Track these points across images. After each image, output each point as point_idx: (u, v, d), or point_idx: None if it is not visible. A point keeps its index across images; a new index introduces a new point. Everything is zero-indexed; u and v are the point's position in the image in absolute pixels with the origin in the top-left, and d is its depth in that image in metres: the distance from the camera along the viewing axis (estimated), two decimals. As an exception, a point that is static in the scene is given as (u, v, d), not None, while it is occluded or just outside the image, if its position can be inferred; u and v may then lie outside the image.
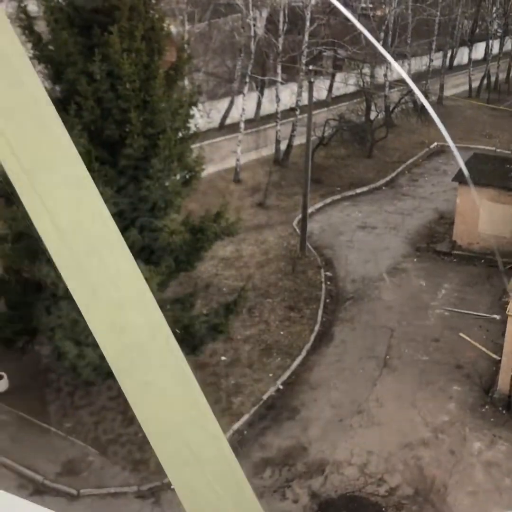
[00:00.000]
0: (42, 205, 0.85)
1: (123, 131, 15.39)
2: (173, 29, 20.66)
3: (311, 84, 25.63)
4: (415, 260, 25.30)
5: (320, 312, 22.02)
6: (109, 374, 15.53)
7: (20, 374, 16.81)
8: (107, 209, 0.88)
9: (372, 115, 36.30)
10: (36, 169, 0.84)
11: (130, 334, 0.89)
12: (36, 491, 14.93)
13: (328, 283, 23.87)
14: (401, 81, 40.87)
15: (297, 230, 26.86)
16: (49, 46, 15.29)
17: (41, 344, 17.26)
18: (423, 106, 40.31)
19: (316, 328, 21.22)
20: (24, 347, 16.94)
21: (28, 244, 14.67)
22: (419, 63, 44.46)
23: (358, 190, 31.29)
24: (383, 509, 14.89)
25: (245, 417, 17.40)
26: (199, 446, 0.92)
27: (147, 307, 0.91)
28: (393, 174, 33.62)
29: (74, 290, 0.87)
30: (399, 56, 41.94)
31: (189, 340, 17.24)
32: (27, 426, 16.39)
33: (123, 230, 15.77)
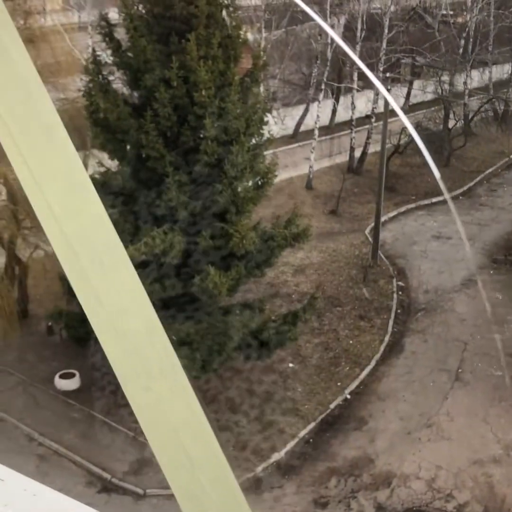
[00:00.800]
0: (50, 212, 0.88)
1: (198, 137, 15.60)
2: (249, 36, 20.82)
3: (388, 91, 25.35)
4: (491, 272, 24.62)
5: (391, 322, 21.69)
6: None
7: (92, 373, 17.19)
8: (108, 217, 0.91)
9: (450, 123, 35.60)
10: (44, 177, 0.87)
11: (131, 340, 0.92)
12: (104, 489, 15.25)
13: (400, 293, 23.50)
14: (482, 89, 39.97)
15: (370, 238, 26.55)
16: (128, 53, 15.66)
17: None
18: (504, 115, 39.30)
19: (386, 338, 20.91)
20: (96, 346, 17.33)
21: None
22: (501, 71, 43.31)
23: (434, 200, 30.71)
24: (451, 526, 14.52)
25: (312, 425, 17.29)
26: (194, 451, 0.94)
27: (146, 314, 0.92)
28: (471, 184, 32.86)
29: (80, 295, 0.90)
30: (480, 64, 41.01)
31: (257, 345, 17.29)
32: (97, 424, 16.76)
33: (195, 235, 15.96)
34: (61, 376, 18.01)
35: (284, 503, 15.17)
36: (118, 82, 16.63)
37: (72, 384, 17.90)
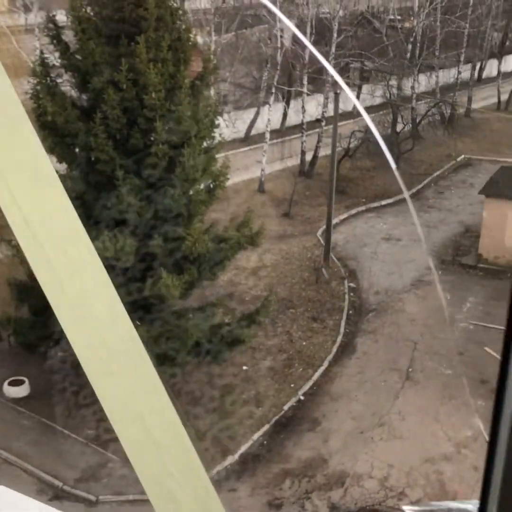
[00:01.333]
0: (14, 201, 0.88)
1: (148, 140, 15.51)
2: (199, 39, 20.81)
3: (337, 95, 25.63)
4: (440, 272, 25.08)
5: (343, 323, 21.92)
6: None
7: (42, 379, 16.92)
8: (73, 207, 0.91)
9: (399, 127, 36.17)
10: (8, 168, 0.88)
11: (94, 325, 0.92)
12: (55, 496, 15.01)
13: (352, 294, 23.76)
14: (429, 93, 40.72)
15: (322, 240, 26.79)
16: (76, 55, 15.48)
17: (64, 350, 17.39)
18: (451, 119, 40.11)
19: (339, 339, 21.12)
20: (46, 353, 17.07)
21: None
22: (447, 75, 44.23)
23: (383, 202, 31.15)
24: (403, 523, 14.71)
25: (266, 427, 17.34)
26: (158, 433, 0.95)
27: (110, 301, 0.93)
28: (419, 186, 33.43)
29: (43, 284, 0.90)
30: (427, 68, 41.79)
31: (211, 348, 17.25)
32: (48, 431, 16.50)
33: (147, 238, 15.86)
34: (10, 383, 17.67)
35: (239, 505, 15.17)
36: (66, 84, 16.43)
37: (21, 391, 17.57)
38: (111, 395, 0.94)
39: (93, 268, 0.92)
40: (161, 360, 16.10)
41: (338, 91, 25.88)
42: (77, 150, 16.01)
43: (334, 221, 26.78)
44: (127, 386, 0.94)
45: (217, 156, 17.42)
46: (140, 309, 16.54)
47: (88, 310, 0.92)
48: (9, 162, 0.88)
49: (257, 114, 35.88)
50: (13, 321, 16.91)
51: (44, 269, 0.90)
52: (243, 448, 16.65)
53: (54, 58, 16.24)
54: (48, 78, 15.88)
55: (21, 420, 16.96)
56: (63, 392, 16.74)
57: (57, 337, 16.33)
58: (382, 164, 34.56)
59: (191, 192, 16.32)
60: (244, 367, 19.41)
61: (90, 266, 0.92)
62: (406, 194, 31.50)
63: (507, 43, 51.76)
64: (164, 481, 0.96)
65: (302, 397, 18.57)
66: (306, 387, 18.86)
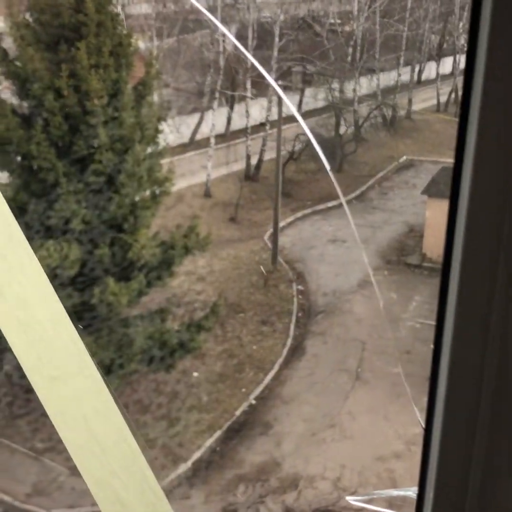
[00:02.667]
0: None
1: (91, 146, 15.32)
2: (141, 44, 20.66)
3: (280, 99, 25.78)
4: (385, 272, 25.45)
5: (292, 326, 22.02)
6: None
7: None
8: (10, 212, 0.91)
9: (342, 130, 36.58)
10: None
11: (36, 329, 0.92)
12: (5, 513, 14.67)
13: (300, 296, 23.90)
14: (370, 96, 41.32)
15: (269, 244, 26.89)
16: (15, 62, 15.19)
17: (10, 362, 17.01)
18: (392, 121, 40.77)
19: (288, 342, 21.21)
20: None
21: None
22: (388, 78, 44.97)
23: (329, 204, 31.46)
24: (357, 523, 14.85)
25: (218, 433, 17.29)
26: (104, 437, 0.95)
27: (51, 305, 0.94)
28: (363, 188, 33.87)
29: None
30: (368, 71, 42.41)
31: (161, 356, 17.12)
32: (-4, 446, 16.11)
33: (93, 246, 15.66)
34: (-46, 399, 17.21)
35: (193, 513, 15.10)
36: (6, 92, 16.10)
37: (-34, 406, 17.12)
38: (54, 398, 0.93)
39: (32, 273, 0.92)
40: (109, 369, 15.91)
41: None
42: (18, 158, 15.69)
43: (281, 224, 26.91)
44: (69, 389, 0.94)
45: (161, 161, 17.33)
46: (87, 317, 16.31)
47: (29, 315, 0.91)
48: None
49: (201, 119, 35.83)
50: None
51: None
52: (196, 456, 16.56)
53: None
54: (-14, 85, 15.55)
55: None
56: (10, 406, 16.39)
57: (1, 349, 15.98)
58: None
59: (136, 199, 16.19)
60: (195, 374, 19.32)
61: (29, 271, 0.92)
62: (339, 192, 31.86)
63: (445, 45, 52.92)
64: (109, 482, 0.96)
65: (253, 402, 18.58)
66: (257, 391, 18.88)
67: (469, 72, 0.80)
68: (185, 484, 15.92)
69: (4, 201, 0.91)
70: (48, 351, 0.93)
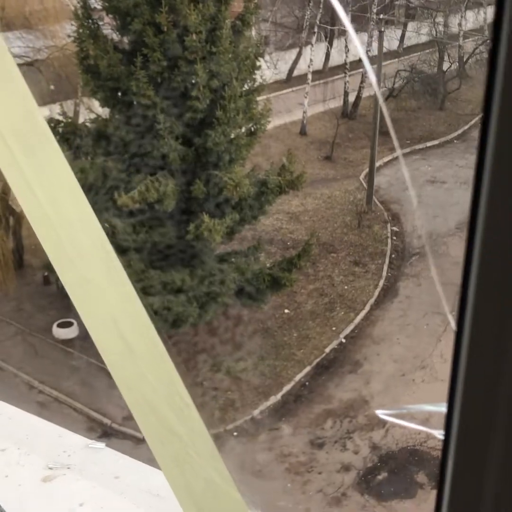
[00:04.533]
0: (15, 162, 0.91)
1: (189, 83, 15.40)
2: (240, -22, 20.30)
3: (381, 33, 24.96)
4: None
5: (385, 267, 21.83)
6: (174, 323, 15.65)
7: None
8: (39, 111, 0.92)
9: (445, 66, 35.13)
10: (4, 125, 0.91)
11: (66, 229, 0.94)
12: (104, 434, 15.55)
13: (394, 238, 23.58)
14: (476, 31, 39.30)
15: (364, 184, 26.51)
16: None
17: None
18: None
19: (381, 283, 21.08)
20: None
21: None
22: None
23: (429, 144, 30.52)
24: (444, 464, 14.89)
25: (307, 369, 17.56)
26: (132, 339, 0.98)
27: (79, 204, 0.95)
28: (466, 127, 32.60)
29: (14, 187, 0.92)
30: (475, 4, 40.24)
31: (253, 292, 17.42)
32: (97, 371, 16.97)
33: (188, 183, 15.91)
34: (59, 325, 18.18)
35: (282, 444, 15.53)
36: (108, 27, 16.32)
37: (70, 332, 18.07)
38: (84, 300, 0.96)
39: (61, 171, 0.94)
40: (202, 302, 16.35)
41: (382, 29, 25.20)
42: (119, 94, 15.98)
43: (378, 163, 26.40)
44: (100, 291, 0.96)
45: (258, 98, 17.23)
46: (183, 252, 16.72)
47: (59, 213, 0.93)
48: (4, 119, 0.90)
49: (299, 54, 35.18)
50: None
51: (14, 172, 0.91)
52: (285, 389, 16.93)
53: (95, 1, 16.09)
54: (90, 21, 15.77)
55: (70, 360, 17.49)
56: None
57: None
58: (427, 104, 33.79)
59: (232, 136, 16.23)
60: (286, 310, 19.57)
61: (59, 169, 0.93)
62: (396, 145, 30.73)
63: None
64: (138, 384, 0.99)
65: (343, 340, 18.70)
66: (347, 330, 18.97)
67: None
68: (274, 415, 16.35)
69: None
70: (78, 251, 0.94)
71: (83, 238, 0.95)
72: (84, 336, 17.85)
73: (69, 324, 18.12)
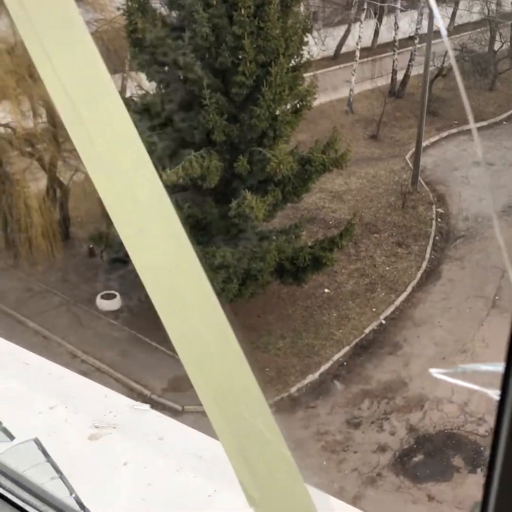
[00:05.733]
0: (50, 64, 0.91)
1: (236, 58, 15.34)
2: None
3: (432, 12, 24.44)
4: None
5: (428, 249, 21.58)
6: (229, 296, 15.50)
7: (132, 294, 17.56)
8: (105, 67, 0.93)
9: (496, 46, 34.28)
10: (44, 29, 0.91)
11: (123, 178, 0.96)
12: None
13: (439, 220, 23.27)
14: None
15: (410, 164, 26.15)
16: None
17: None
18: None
19: (424, 265, 20.86)
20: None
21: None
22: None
23: (477, 124, 29.92)
24: (482, 448, 14.78)
25: (346, 348, 17.54)
26: (186, 292, 0.99)
27: (137, 151, 0.96)
28: (516, 108, 31.86)
29: (74, 139, 0.94)
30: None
31: (293, 270, 17.42)
32: (138, 343, 17.25)
33: (231, 159, 15.89)
34: (103, 297, 18.47)
35: (318, 422, 15.58)
36: (157, 1, 16.32)
37: (113, 304, 18.36)
38: (140, 251, 0.98)
39: (123, 124, 0.96)
40: (244, 279, 16.40)
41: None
42: (166, 68, 16.01)
43: (424, 143, 25.98)
44: (155, 243, 0.97)
45: (305, 75, 17.08)
46: (224, 229, 16.78)
47: (116, 163, 0.95)
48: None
49: (347, 31, 34.71)
50: (105, 238, 17.51)
51: (75, 124, 0.93)
52: (323, 368, 16.96)
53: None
54: (138, -6, 15.79)
55: (112, 332, 17.78)
56: (153, 307, 17.35)
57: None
58: (477, 84, 33.04)
59: (277, 112, 16.15)
60: (326, 290, 19.53)
61: (118, 120, 0.95)
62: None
63: None
64: (190, 337, 1.00)
65: (383, 321, 18.60)
66: (388, 312, 18.86)
67: None
68: (312, 393, 16.40)
69: (100, 58, 0.93)
70: (134, 201, 0.95)
71: (140, 185, 0.96)
72: (127, 308, 18.12)
73: (113, 296, 18.41)
